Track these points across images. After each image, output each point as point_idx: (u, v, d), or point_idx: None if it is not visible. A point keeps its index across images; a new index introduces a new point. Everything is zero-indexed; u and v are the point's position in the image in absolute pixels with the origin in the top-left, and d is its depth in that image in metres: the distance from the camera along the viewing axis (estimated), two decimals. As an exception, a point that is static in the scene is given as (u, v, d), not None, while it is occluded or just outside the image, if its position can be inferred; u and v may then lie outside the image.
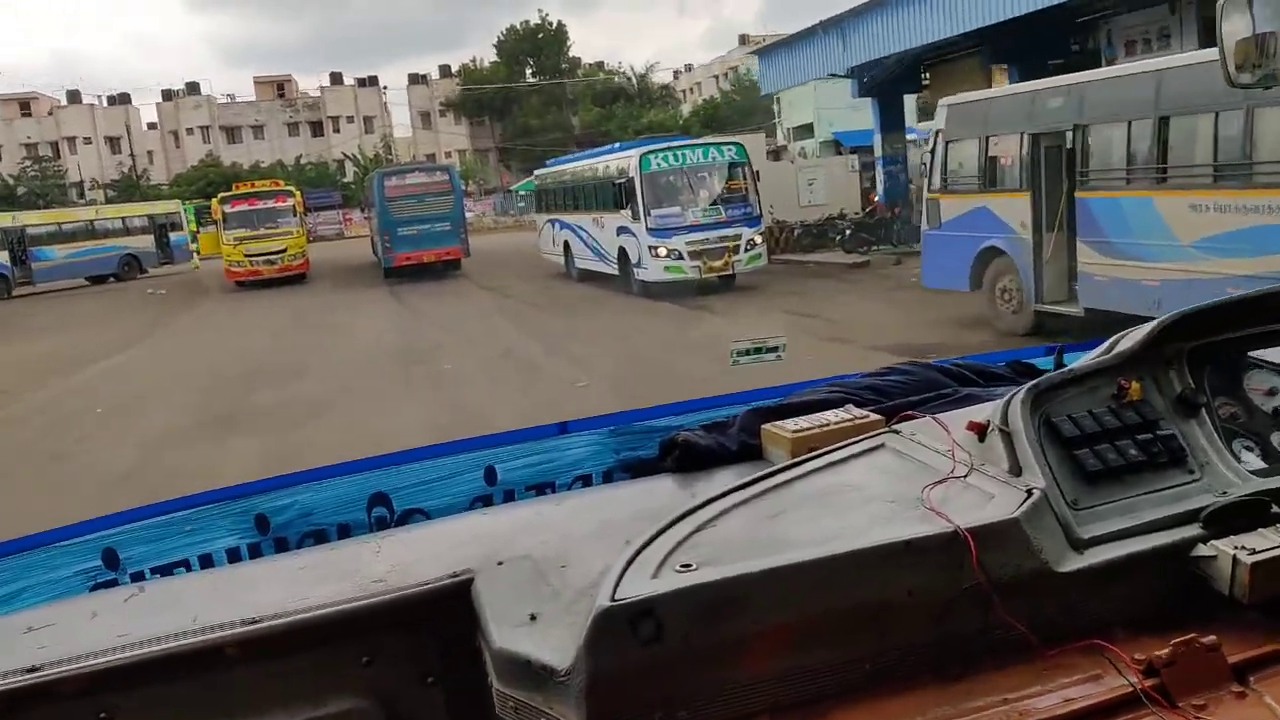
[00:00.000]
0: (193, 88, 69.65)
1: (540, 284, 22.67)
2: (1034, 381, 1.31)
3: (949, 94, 12.77)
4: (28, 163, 60.31)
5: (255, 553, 1.52)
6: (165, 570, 1.47)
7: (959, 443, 1.28)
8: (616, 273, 19.25)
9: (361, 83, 72.04)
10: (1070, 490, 1.18)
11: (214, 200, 29.24)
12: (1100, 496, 1.19)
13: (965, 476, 1.21)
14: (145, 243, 36.32)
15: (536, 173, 26.20)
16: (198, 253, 34.55)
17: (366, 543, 1.41)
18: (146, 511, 1.55)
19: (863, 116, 32.83)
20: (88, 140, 66.19)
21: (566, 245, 22.66)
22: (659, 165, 17.45)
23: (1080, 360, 1.39)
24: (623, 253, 18.61)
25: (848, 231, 21.20)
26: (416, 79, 72.43)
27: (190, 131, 67.16)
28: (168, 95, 69.74)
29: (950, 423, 1.35)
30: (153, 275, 35.95)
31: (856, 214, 23.28)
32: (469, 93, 69.93)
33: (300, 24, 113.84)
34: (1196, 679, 0.98)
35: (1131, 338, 1.37)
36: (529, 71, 71.72)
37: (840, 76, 22.91)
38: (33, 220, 35.37)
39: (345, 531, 1.55)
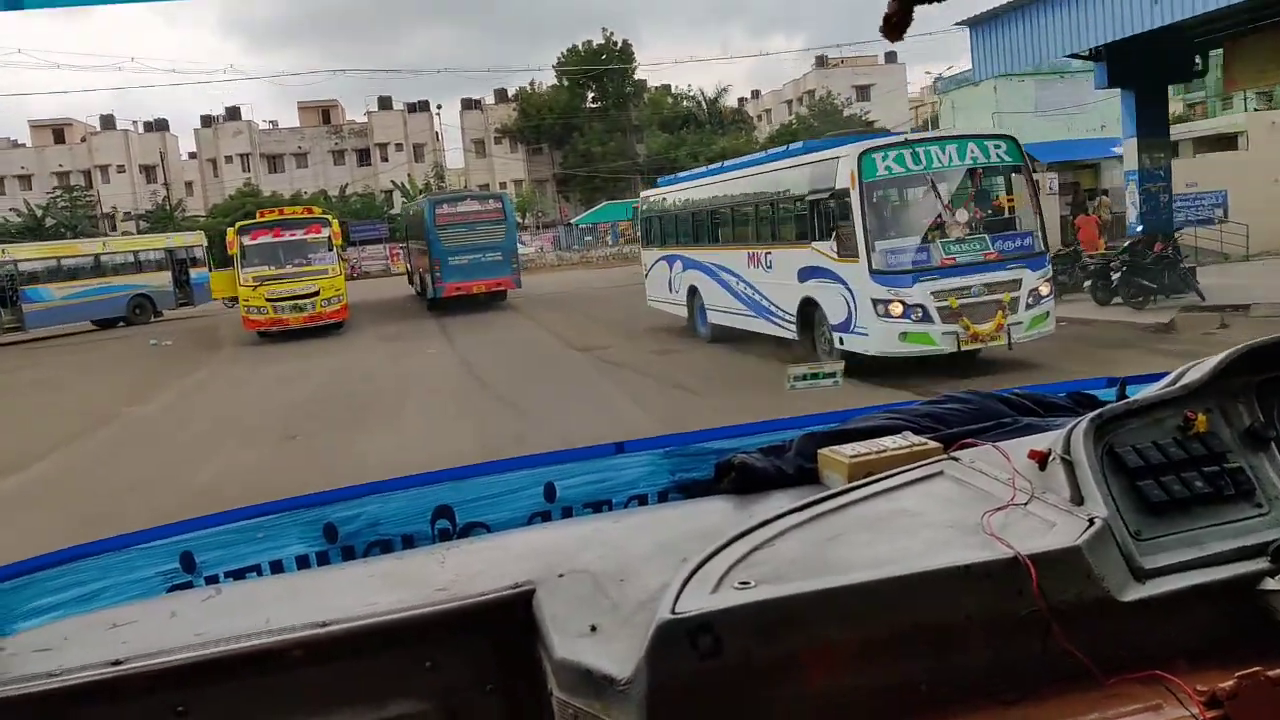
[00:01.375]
0: (232, 113, 65.19)
1: (658, 346, 16.38)
2: (1098, 411, 1.30)
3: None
4: (58, 192, 55.82)
5: (324, 560, 1.54)
6: (238, 574, 1.50)
7: (1019, 471, 1.27)
8: (792, 335, 12.83)
9: (411, 108, 67.13)
10: (1133, 521, 1.16)
11: (230, 229, 23.27)
12: (1164, 528, 1.17)
13: (1026, 504, 1.21)
14: (161, 280, 30.90)
15: (644, 194, 20.11)
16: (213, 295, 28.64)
17: (431, 553, 1.46)
18: (222, 518, 1.59)
19: (1051, 126, 27.40)
20: (121, 169, 61.85)
21: (693, 291, 16.44)
22: (892, 170, 10.93)
23: (1144, 391, 1.39)
24: (808, 306, 12.23)
25: (1114, 275, 14.65)
26: (470, 104, 67.36)
27: (229, 160, 62.55)
28: (207, 121, 65.41)
29: (1011, 451, 1.34)
30: (169, 318, 30.41)
31: (1112, 248, 16.70)
32: (526, 119, 64.63)
33: (349, 47, 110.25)
34: (1260, 712, 0.96)
35: (1199, 369, 1.36)
36: (589, 95, 66.36)
37: (1081, 58, 16.53)
38: (26, 254, 29.99)
39: (410, 542, 1.57)
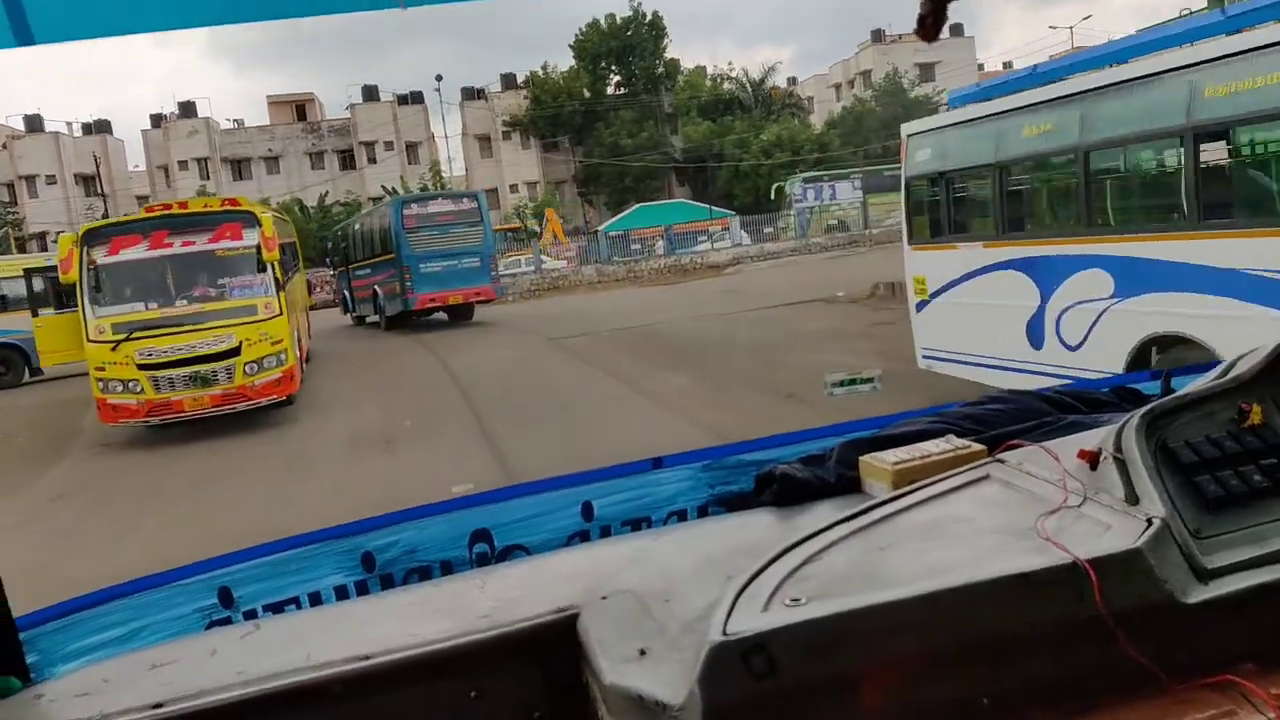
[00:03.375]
0: (187, 109, 54.83)
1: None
2: (1149, 406, 1.27)
3: None
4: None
5: (362, 590, 1.53)
6: (277, 608, 1.49)
7: (1070, 471, 1.25)
8: None
9: (403, 100, 56.81)
10: (1192, 519, 1.13)
11: (63, 238, 12.52)
12: (1225, 525, 1.14)
13: (1079, 506, 1.18)
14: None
15: (913, 129, 9.31)
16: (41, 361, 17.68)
17: (470, 579, 1.43)
18: (258, 551, 1.57)
19: None
20: (52, 179, 51.36)
21: (1152, 349, 5.95)
22: None
23: (1194, 383, 1.36)
24: None
25: None
26: (472, 93, 56.95)
27: (184, 165, 52.12)
28: (157, 120, 55.01)
29: (1059, 451, 1.31)
30: (40, 380, 19.85)
31: None
32: (540, 107, 54.25)
33: (326, 25, 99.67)
34: None
35: (1250, 360, 1.33)
36: (613, 79, 56.08)
37: None
38: None
39: (448, 568, 1.56)
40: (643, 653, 1.07)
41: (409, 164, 55.16)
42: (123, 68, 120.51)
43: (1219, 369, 1.38)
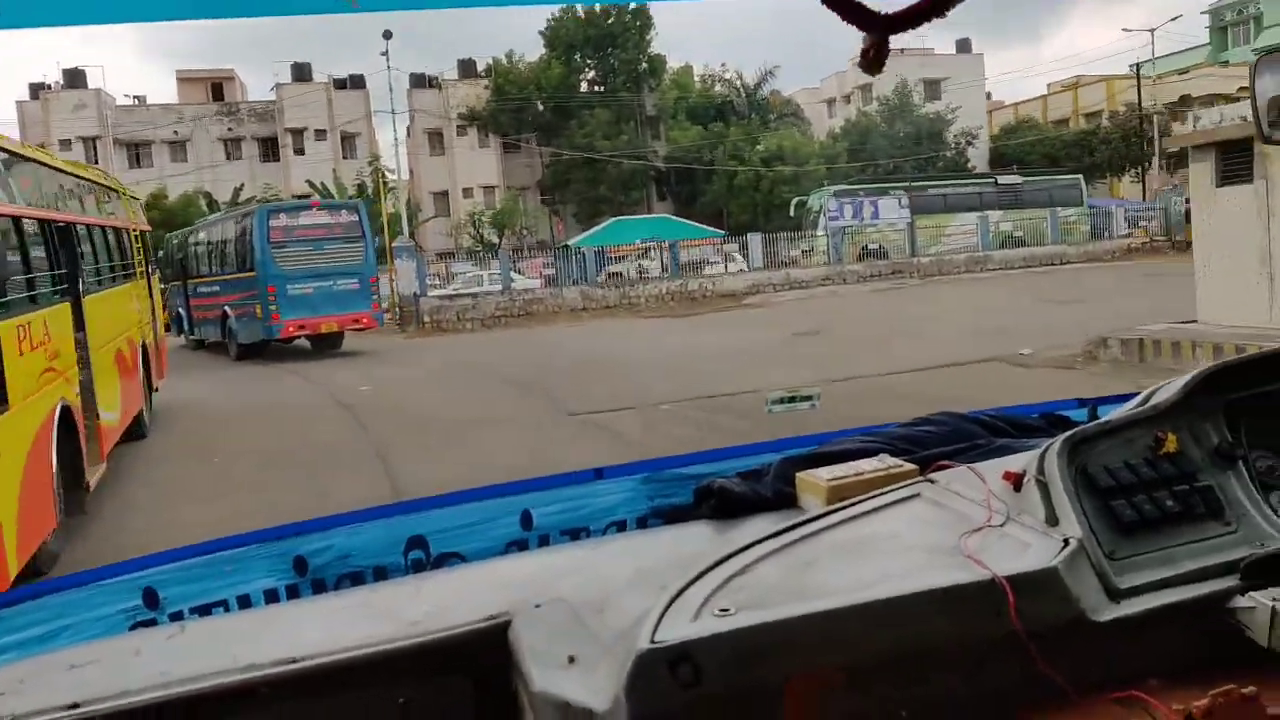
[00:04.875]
0: (74, 78, 45.73)
1: None
2: (1071, 432, 1.31)
3: None
4: None
5: (293, 594, 1.51)
6: (204, 610, 1.47)
7: (995, 492, 1.29)
8: None
9: (340, 84, 48.49)
10: (1107, 541, 1.17)
11: None
12: (1137, 547, 1.18)
13: (1002, 525, 1.22)
14: None
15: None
16: None
17: (404, 585, 1.43)
18: (186, 552, 1.56)
19: None
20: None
21: None
22: None
23: (1115, 412, 1.41)
24: None
25: None
26: (422, 81, 48.89)
27: (67, 145, 42.75)
28: (36, 91, 45.78)
29: (986, 472, 1.35)
30: None
31: None
32: (502, 99, 46.47)
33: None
34: None
35: (1168, 390, 1.38)
36: (589, 73, 48.70)
37: None
38: None
39: (382, 574, 1.54)
40: (572, 660, 1.07)
41: (344, 158, 46.85)
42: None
43: (1139, 398, 1.43)
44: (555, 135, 46.36)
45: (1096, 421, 1.38)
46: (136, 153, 46.59)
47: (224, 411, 13.32)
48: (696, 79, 49.22)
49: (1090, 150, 46.19)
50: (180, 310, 24.36)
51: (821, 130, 51.42)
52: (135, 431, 10.38)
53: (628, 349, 17.44)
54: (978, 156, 49.82)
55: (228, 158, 47.37)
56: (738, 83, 48.72)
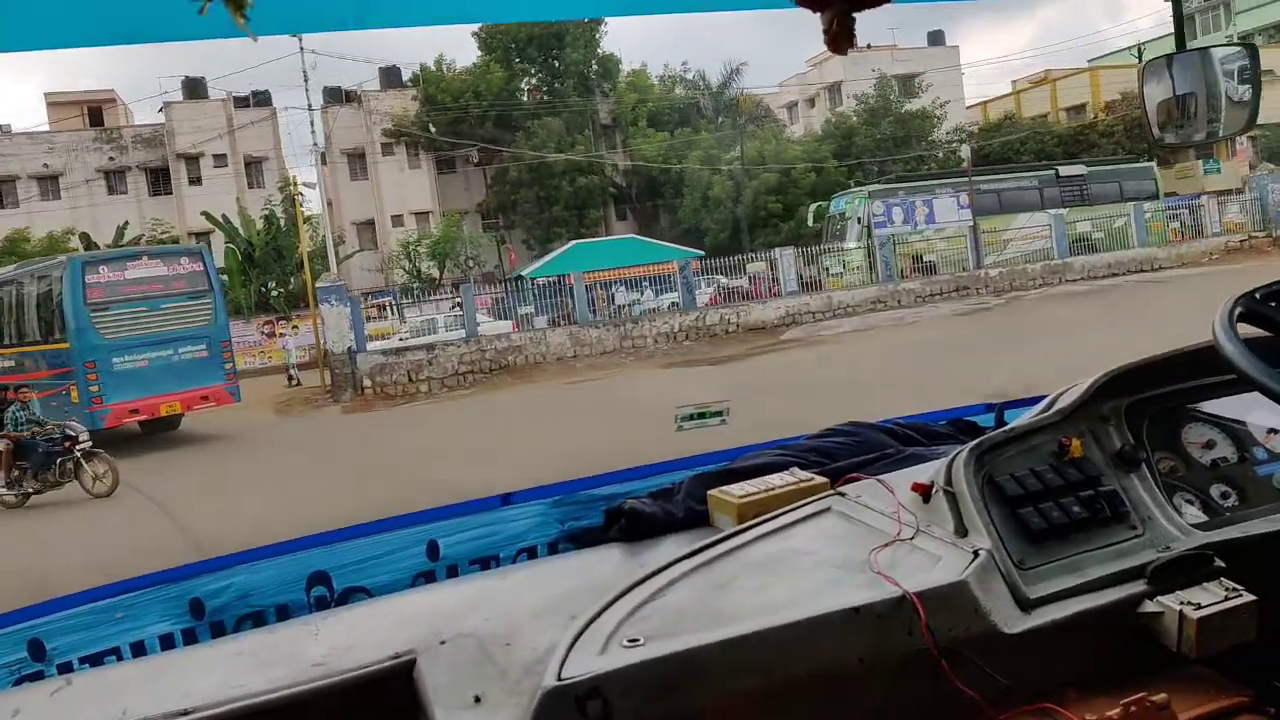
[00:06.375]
0: (-89, 101, 38.04)
1: None
2: (976, 441, 1.31)
3: None
4: None
5: (190, 639, 1.44)
6: (95, 660, 1.40)
7: (904, 504, 1.27)
8: None
9: (242, 101, 41.57)
10: (1016, 550, 1.17)
11: None
12: (1046, 555, 1.18)
13: (912, 539, 1.20)
14: None
15: None
16: None
17: (305, 624, 1.37)
18: (74, 600, 1.47)
19: None
20: None
21: None
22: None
23: (1021, 418, 1.41)
24: None
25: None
26: (338, 96, 42.22)
27: (-96, 182, 35.13)
28: None
29: (895, 483, 1.34)
30: None
31: None
32: (434, 110, 40.09)
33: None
34: None
35: (1070, 395, 1.38)
36: (531, 78, 42.75)
37: None
38: None
39: (284, 613, 1.48)
40: (478, 700, 1.03)
41: (249, 186, 39.91)
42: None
43: (1043, 403, 1.41)
44: (498, 151, 40.18)
45: (1003, 429, 1.38)
46: (-3, 190, 39.02)
47: None
48: (654, 80, 43.52)
49: (1089, 145, 41.96)
50: None
51: (787, 135, 46.24)
52: None
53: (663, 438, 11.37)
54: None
55: (110, 191, 40.03)
56: (701, 84, 43.25)
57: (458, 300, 24.70)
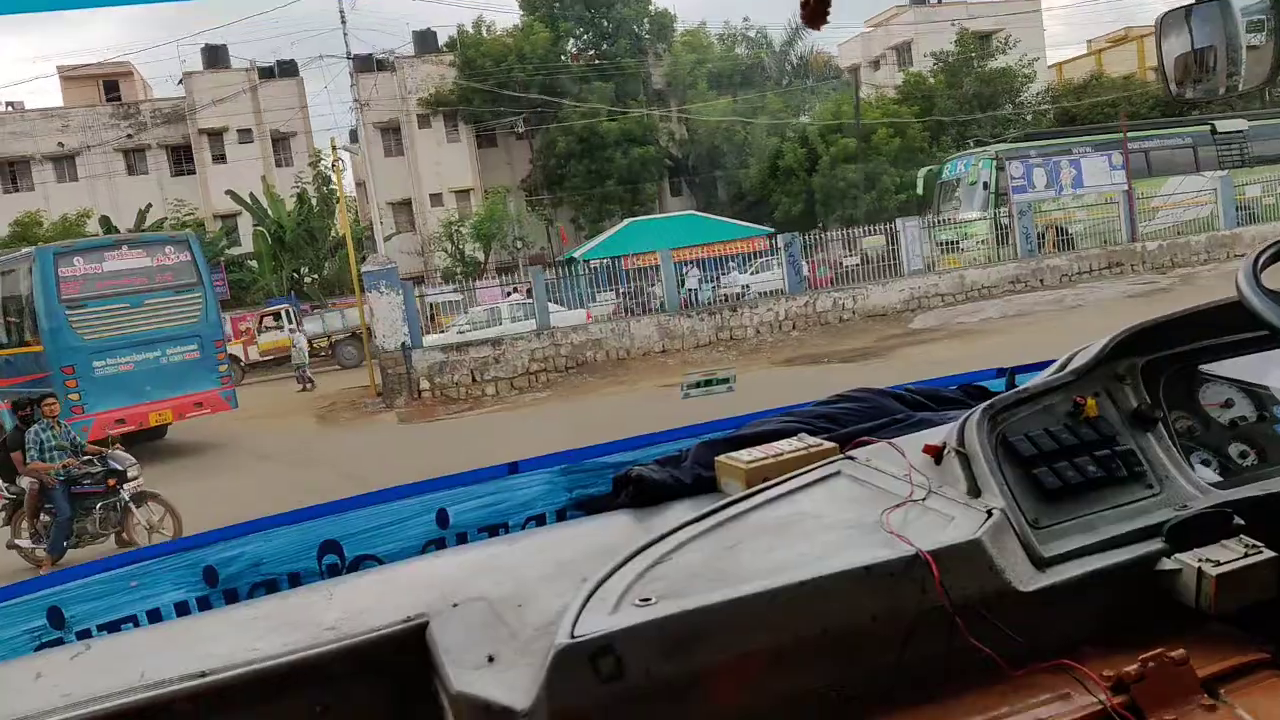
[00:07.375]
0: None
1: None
2: (989, 402, 1.30)
3: None
4: None
5: (205, 605, 1.47)
6: (112, 627, 1.43)
7: (915, 466, 1.27)
8: None
9: (267, 72, 38.54)
10: (1030, 509, 1.17)
11: None
12: (1061, 514, 1.17)
13: (924, 500, 1.21)
14: None
15: None
16: None
17: (318, 590, 1.38)
18: (92, 568, 1.51)
19: None
20: None
21: None
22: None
23: (1033, 379, 1.41)
24: None
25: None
26: (368, 64, 39.04)
27: (-92, 164, 32.48)
28: None
29: (906, 447, 1.33)
30: None
31: None
32: (473, 77, 36.83)
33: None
34: (1166, 694, 0.98)
35: (1084, 355, 1.37)
36: (578, 39, 39.33)
37: None
38: None
39: (296, 580, 1.50)
40: (491, 659, 1.05)
41: (277, 165, 36.97)
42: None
43: (1056, 364, 1.41)
44: (543, 121, 36.89)
45: (1015, 390, 1.37)
46: (12, 171, 36.34)
47: None
48: (713, 38, 39.97)
49: (1193, 105, 38.00)
50: None
51: (876, 91, 42.50)
52: None
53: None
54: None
55: (130, 172, 37.25)
56: (764, 42, 39.67)
57: (511, 287, 21.60)
